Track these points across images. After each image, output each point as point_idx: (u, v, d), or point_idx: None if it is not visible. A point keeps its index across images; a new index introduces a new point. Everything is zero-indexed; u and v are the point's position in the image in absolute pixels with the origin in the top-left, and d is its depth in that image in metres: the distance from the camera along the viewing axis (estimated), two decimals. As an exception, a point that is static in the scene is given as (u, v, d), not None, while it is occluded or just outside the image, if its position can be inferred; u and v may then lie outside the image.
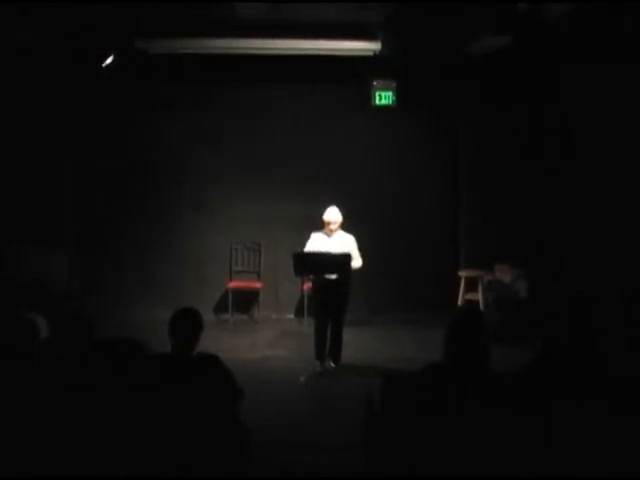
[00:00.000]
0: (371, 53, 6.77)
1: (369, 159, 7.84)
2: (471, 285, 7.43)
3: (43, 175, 7.32)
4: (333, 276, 5.57)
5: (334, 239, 5.74)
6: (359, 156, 7.83)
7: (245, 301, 7.81)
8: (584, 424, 2.49)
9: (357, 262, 5.65)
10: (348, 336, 6.00)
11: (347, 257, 5.44)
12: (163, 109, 7.55)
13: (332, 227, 5.68)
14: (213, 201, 7.76)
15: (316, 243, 5.70)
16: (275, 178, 7.77)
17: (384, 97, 7.33)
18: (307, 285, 7.20)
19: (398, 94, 7.31)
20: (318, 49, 6.63)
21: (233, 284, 7.68)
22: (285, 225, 7.75)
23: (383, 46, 6.63)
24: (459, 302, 7.44)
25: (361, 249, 5.79)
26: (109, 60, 6.63)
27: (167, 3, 5.68)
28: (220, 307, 7.81)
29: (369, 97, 7.35)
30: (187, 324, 3.19)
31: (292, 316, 7.92)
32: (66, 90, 7.21)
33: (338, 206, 5.81)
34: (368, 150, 7.83)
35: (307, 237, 5.82)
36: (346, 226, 5.84)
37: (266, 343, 6.83)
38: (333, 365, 5.77)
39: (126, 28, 6.06)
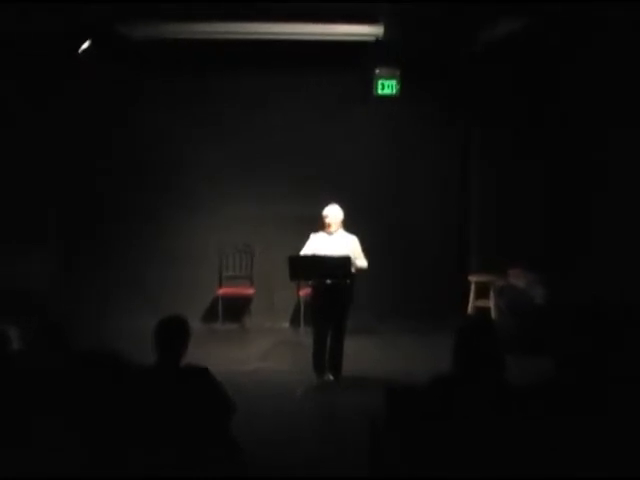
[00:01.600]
0: (373, 38, 6.77)
1: (371, 154, 7.88)
2: (482, 291, 7.48)
3: (25, 171, 7.35)
4: (333, 281, 5.59)
5: (335, 240, 5.75)
6: (360, 151, 7.86)
7: (236, 309, 7.85)
8: (603, 442, 2.49)
9: (362, 262, 5.67)
10: (349, 346, 5.97)
11: (347, 260, 5.44)
12: (150, 101, 7.59)
13: (331, 225, 5.69)
14: (203, 200, 7.81)
15: (315, 245, 5.72)
16: (270, 175, 7.81)
17: (387, 86, 7.34)
18: (304, 291, 7.30)
19: (402, 83, 7.34)
20: (315, 34, 6.63)
21: (223, 290, 7.72)
22: (280, 226, 7.78)
23: (386, 30, 6.61)
24: (469, 309, 7.50)
25: (364, 251, 5.82)
26: (85, 45, 6.58)
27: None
28: (209, 315, 7.87)
29: (371, 86, 7.36)
30: (173, 333, 3.20)
31: (287, 325, 7.97)
32: (45, 84, 7.22)
33: (338, 205, 5.83)
34: (370, 144, 7.86)
35: (304, 239, 5.83)
36: (347, 226, 5.88)
37: (259, 354, 6.86)
38: (333, 378, 5.77)
39: (105, 11, 5.98)
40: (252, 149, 7.79)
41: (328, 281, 5.60)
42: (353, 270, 5.53)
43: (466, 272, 7.75)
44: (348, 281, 5.58)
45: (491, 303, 7.30)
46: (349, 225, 5.90)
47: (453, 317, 6.95)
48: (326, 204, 5.84)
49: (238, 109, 7.73)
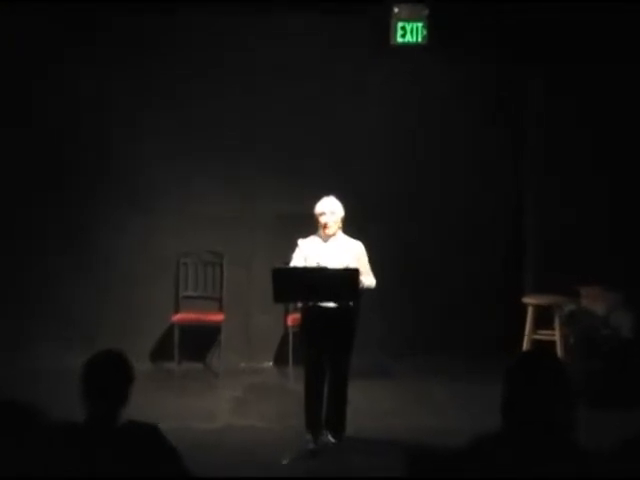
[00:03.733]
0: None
1: (386, 130, 7.90)
2: (543, 318, 7.51)
3: None
4: (332, 304, 5.64)
5: (333, 246, 5.81)
6: (371, 124, 7.90)
7: (199, 342, 7.90)
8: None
9: (368, 279, 5.74)
10: (355, 394, 6.00)
11: (353, 273, 5.47)
12: (81, 56, 7.61)
13: (328, 225, 5.75)
14: (153, 193, 7.89)
15: (307, 254, 5.78)
16: (245, 158, 7.88)
17: (410, 31, 7.39)
18: (293, 317, 7.34)
19: (431, 27, 7.37)
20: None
21: (181, 316, 7.77)
22: (260, 227, 7.89)
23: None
24: (524, 343, 7.51)
25: (373, 262, 5.86)
26: None
27: None
28: (161, 351, 7.91)
29: (387, 32, 7.41)
30: (108, 377, 3.22)
31: (270, 364, 8.04)
32: None
33: (340, 200, 5.89)
34: (384, 116, 7.90)
35: (293, 245, 5.89)
36: (351, 229, 5.92)
37: (231, 406, 6.89)
38: (333, 439, 5.82)
39: None
40: (219, 120, 7.84)
41: (326, 304, 5.65)
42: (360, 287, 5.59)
43: (520, 292, 7.79)
44: (352, 304, 5.64)
45: (556, 335, 7.36)
46: (352, 229, 5.94)
47: (501, 355, 6.94)
48: (320, 197, 5.88)
49: (202, 63, 7.75)
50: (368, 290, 5.75)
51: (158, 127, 7.78)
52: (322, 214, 5.76)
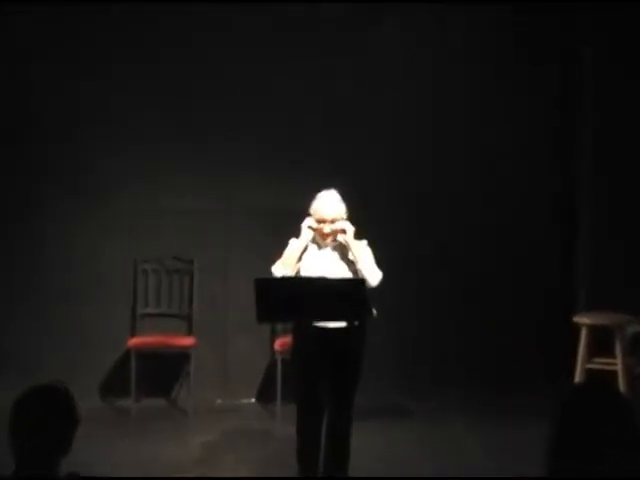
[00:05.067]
0: None
1: (400, 112, 7.99)
2: (600, 342, 7.51)
3: None
4: (333, 323, 5.63)
5: (331, 253, 5.85)
6: (380, 100, 7.99)
7: (163, 372, 7.93)
8: None
9: (374, 274, 5.74)
10: (361, 438, 5.98)
11: (359, 285, 5.52)
12: (35, 43, 7.80)
13: (328, 232, 5.79)
14: (105, 184, 7.95)
15: (300, 250, 5.82)
16: (223, 144, 7.99)
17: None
18: (282, 341, 7.35)
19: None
20: None
21: (139, 340, 7.76)
22: (240, 227, 7.98)
23: None
24: (577, 374, 7.51)
25: (385, 273, 5.88)
26: None
27: None
28: (114, 384, 7.91)
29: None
30: (45, 417, 3.19)
31: (253, 401, 8.07)
32: None
33: (342, 195, 5.91)
34: (394, 94, 7.99)
35: (281, 249, 5.88)
36: (356, 230, 5.90)
37: (203, 454, 6.87)
38: (333, 495, 5.84)
39: None
40: (195, 93, 7.97)
41: (324, 324, 5.65)
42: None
43: (570, 309, 7.84)
44: (357, 323, 5.66)
45: (617, 363, 7.37)
46: (361, 230, 5.93)
47: (546, 389, 6.97)
48: (317, 192, 5.89)
49: (167, 47, 7.92)
50: (374, 287, 5.73)
51: (110, 110, 7.94)
52: (322, 221, 5.78)
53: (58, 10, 7.71)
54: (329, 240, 5.80)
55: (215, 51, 7.97)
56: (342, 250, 5.85)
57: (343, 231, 5.76)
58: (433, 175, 8.17)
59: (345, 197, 5.89)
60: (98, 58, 7.90)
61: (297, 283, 5.68)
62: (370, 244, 5.91)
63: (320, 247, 5.85)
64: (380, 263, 5.85)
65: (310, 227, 5.77)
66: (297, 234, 5.85)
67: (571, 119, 8.26)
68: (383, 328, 6.73)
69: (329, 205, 5.79)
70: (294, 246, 5.78)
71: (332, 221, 5.76)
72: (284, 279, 5.72)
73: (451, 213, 8.18)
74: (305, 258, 5.81)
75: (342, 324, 5.65)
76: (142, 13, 7.86)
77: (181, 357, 7.83)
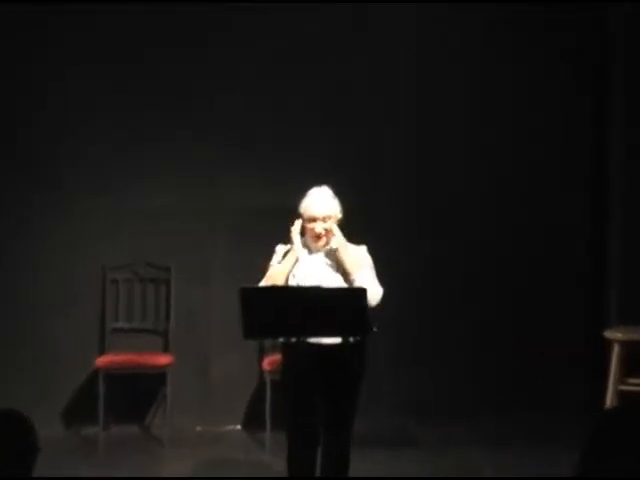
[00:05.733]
0: None
1: (409, 98, 8.15)
2: (634, 360, 7.52)
3: None
4: (329, 339, 5.65)
5: (325, 258, 5.84)
6: (379, 89, 8.12)
7: (135, 395, 7.95)
8: None
9: (374, 291, 5.71)
10: (359, 469, 5.92)
11: (359, 294, 5.46)
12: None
13: (322, 237, 5.77)
14: (70, 182, 8.00)
15: (290, 268, 5.81)
16: (204, 135, 8.06)
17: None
18: (271, 360, 7.38)
19: None
20: None
21: (108, 359, 7.77)
22: (223, 229, 8.06)
23: None
24: (608, 396, 7.52)
25: (388, 282, 5.86)
26: None
27: None
28: (80, 409, 7.93)
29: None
30: (0, 446, 3.20)
31: (238, 427, 8.12)
32: None
33: (339, 194, 5.89)
34: (395, 75, 8.15)
35: (269, 253, 5.90)
36: (348, 234, 5.87)
37: (181, 489, 6.89)
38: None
39: None
40: (163, 86, 8.04)
41: (319, 340, 5.65)
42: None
43: (600, 323, 7.89)
44: (352, 339, 5.65)
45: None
46: (353, 233, 5.89)
47: (572, 415, 7.13)
48: (307, 188, 5.88)
49: (137, 39, 8.05)
50: (373, 303, 5.69)
51: (77, 108, 8.01)
52: (313, 220, 5.76)
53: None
54: (321, 243, 5.76)
55: (188, 49, 8.09)
56: (337, 254, 5.82)
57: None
58: (464, 177, 8.28)
59: (342, 196, 5.89)
60: (54, 55, 7.98)
61: (289, 293, 5.67)
62: (370, 250, 5.92)
63: (312, 251, 5.83)
64: (382, 273, 5.84)
65: (299, 230, 5.77)
66: (284, 237, 5.86)
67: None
68: (385, 344, 6.79)
69: (320, 201, 5.78)
70: (281, 266, 5.80)
71: (324, 219, 5.74)
72: (274, 288, 5.71)
73: (471, 217, 8.27)
74: (296, 265, 5.81)
75: (339, 340, 5.66)
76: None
77: (156, 378, 7.78)
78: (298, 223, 5.77)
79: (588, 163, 8.40)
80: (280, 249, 5.84)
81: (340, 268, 5.76)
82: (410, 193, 8.22)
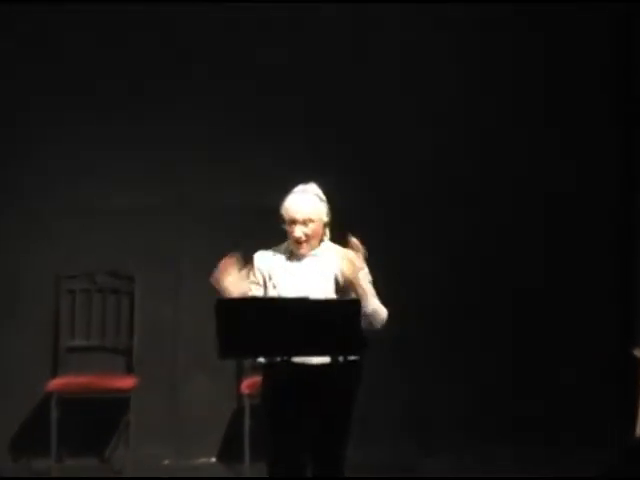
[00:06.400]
0: None
1: (413, 94, 8.32)
2: None
3: None
4: (317, 359, 5.61)
5: (313, 264, 5.79)
6: (385, 85, 8.29)
7: (93, 423, 7.91)
8: None
9: (373, 307, 5.65)
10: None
11: (353, 306, 5.38)
12: None
13: (302, 241, 5.71)
14: (24, 177, 8.08)
15: (271, 277, 5.79)
16: (171, 126, 8.12)
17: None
18: (251, 382, 7.40)
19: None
20: None
21: (62, 382, 7.74)
22: (194, 232, 8.08)
23: None
24: (638, 426, 7.56)
25: (394, 299, 5.78)
26: None
27: None
28: (30, 439, 7.92)
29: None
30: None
31: (213, 460, 8.11)
32: None
33: (324, 189, 5.81)
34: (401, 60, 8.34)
35: (247, 262, 5.73)
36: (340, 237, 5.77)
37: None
38: None
39: None
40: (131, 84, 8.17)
41: (307, 359, 5.59)
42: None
43: (630, 343, 7.94)
44: (344, 358, 5.59)
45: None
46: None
47: (600, 439, 7.19)
48: (290, 187, 5.76)
49: (99, 30, 8.17)
50: (376, 323, 5.64)
51: (28, 109, 8.11)
52: (293, 222, 5.69)
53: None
54: (303, 249, 5.70)
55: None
56: (325, 260, 5.76)
57: (353, 264, 5.65)
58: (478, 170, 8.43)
59: (334, 197, 5.81)
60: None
61: (273, 306, 5.53)
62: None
63: (295, 257, 5.76)
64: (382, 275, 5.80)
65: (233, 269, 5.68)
66: (266, 242, 5.79)
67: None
68: (382, 362, 6.83)
69: (301, 202, 5.69)
70: (253, 279, 5.76)
71: (304, 222, 5.67)
72: (256, 300, 5.62)
73: (466, 206, 8.40)
74: (278, 271, 5.78)
75: (328, 359, 5.61)
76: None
77: (118, 404, 7.77)
78: (231, 262, 5.70)
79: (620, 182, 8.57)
80: (259, 258, 5.76)
81: (329, 271, 5.73)
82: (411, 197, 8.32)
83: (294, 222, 5.66)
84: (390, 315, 5.69)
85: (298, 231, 5.65)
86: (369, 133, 8.23)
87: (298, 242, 5.68)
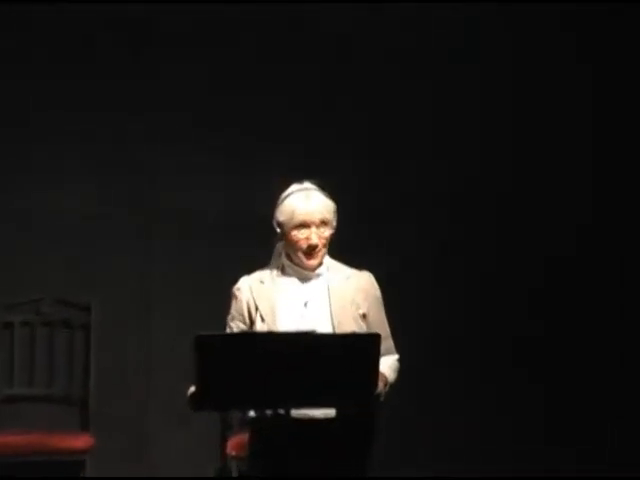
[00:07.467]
0: None
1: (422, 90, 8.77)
2: None
3: None
4: (322, 411, 5.50)
5: (317, 289, 5.73)
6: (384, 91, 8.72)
7: None
8: None
9: (389, 366, 5.71)
10: None
11: (372, 342, 5.22)
12: None
13: (315, 242, 5.62)
14: None
15: (260, 308, 5.74)
16: (138, 122, 8.29)
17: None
18: (237, 441, 7.31)
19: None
20: None
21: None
22: (167, 248, 8.18)
23: None
24: None
25: (405, 328, 5.87)
26: None
27: None
28: None
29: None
30: None
31: None
32: None
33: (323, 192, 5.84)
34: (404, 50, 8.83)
35: (227, 291, 5.85)
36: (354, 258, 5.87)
37: None
38: None
39: None
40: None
41: (309, 412, 5.48)
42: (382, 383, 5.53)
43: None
44: (353, 411, 5.52)
45: None
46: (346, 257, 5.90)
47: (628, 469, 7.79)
48: (286, 185, 5.79)
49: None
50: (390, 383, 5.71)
51: None
52: (302, 225, 5.59)
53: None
54: (316, 259, 5.55)
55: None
56: (332, 283, 5.70)
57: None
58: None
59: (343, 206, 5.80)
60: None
61: (267, 343, 5.23)
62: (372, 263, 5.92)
63: (297, 277, 5.67)
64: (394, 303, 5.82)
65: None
66: (253, 264, 5.77)
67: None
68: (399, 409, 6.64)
69: (312, 199, 5.60)
70: (235, 314, 5.81)
71: (320, 224, 5.55)
72: (245, 336, 5.50)
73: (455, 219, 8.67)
74: (268, 300, 5.70)
75: (334, 412, 5.52)
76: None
77: (71, 467, 7.58)
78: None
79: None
80: (243, 285, 5.70)
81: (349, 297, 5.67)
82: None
83: (305, 225, 5.57)
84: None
85: (314, 236, 5.56)
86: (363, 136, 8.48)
87: (309, 251, 5.58)
